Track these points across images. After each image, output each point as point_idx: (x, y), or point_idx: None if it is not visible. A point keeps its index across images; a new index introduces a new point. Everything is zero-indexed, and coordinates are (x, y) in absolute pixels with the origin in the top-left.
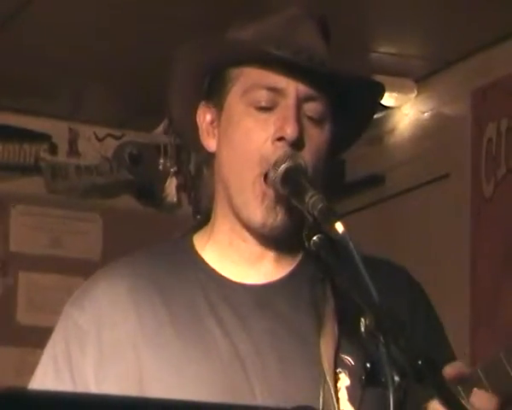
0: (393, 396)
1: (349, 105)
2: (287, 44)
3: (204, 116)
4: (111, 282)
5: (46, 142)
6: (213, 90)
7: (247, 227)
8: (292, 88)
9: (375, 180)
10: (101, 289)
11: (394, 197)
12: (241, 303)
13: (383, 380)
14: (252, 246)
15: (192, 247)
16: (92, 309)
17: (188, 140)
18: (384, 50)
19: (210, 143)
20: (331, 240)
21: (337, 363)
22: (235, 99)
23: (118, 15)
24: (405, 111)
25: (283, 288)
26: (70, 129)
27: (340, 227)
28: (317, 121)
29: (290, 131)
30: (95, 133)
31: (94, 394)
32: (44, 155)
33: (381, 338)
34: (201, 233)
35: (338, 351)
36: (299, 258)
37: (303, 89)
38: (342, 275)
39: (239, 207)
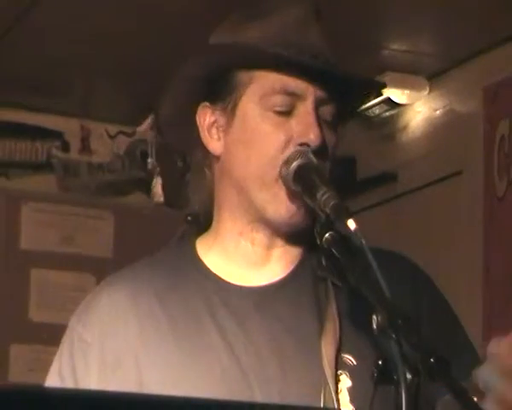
0: (406, 394)
1: (349, 102)
2: (300, 47)
3: (205, 117)
4: (113, 294)
5: (58, 139)
6: (219, 93)
7: (267, 224)
8: (310, 92)
9: (387, 178)
10: (103, 301)
11: (406, 195)
12: (242, 307)
13: (395, 377)
14: (259, 248)
15: (195, 252)
16: (95, 322)
17: (178, 141)
18: (396, 48)
19: (215, 146)
20: (343, 237)
21: (338, 364)
22: (250, 104)
23: (129, 13)
24: (417, 108)
25: (284, 288)
26: (82, 126)
27: (352, 224)
28: (331, 124)
29: (314, 138)
30: (106, 130)
31: (107, 391)
32: (56, 152)
33: (393, 335)
34: (205, 237)
35: (339, 351)
36: (299, 257)
37: (320, 92)
38: (354, 272)
39: (263, 205)
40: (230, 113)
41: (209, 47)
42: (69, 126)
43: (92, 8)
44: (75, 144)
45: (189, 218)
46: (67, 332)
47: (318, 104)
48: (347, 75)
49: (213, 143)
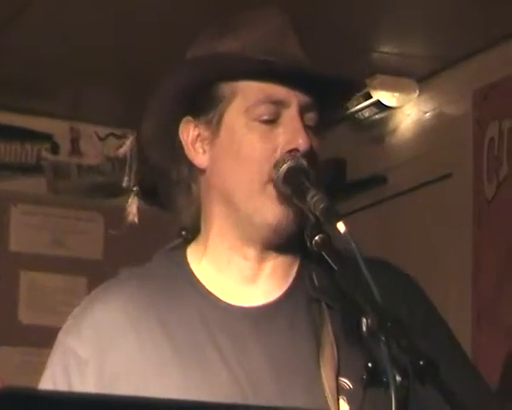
0: (395, 396)
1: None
2: (280, 55)
3: (188, 132)
4: (107, 307)
5: (48, 141)
6: (201, 107)
7: (255, 235)
8: (294, 98)
9: (376, 180)
10: (97, 314)
11: (396, 197)
12: (240, 330)
13: (385, 380)
14: (251, 263)
15: (187, 266)
16: (90, 336)
17: (161, 159)
18: (386, 50)
19: (200, 160)
20: (333, 240)
21: (334, 388)
22: (235, 116)
23: (119, 14)
24: (407, 111)
25: (280, 310)
26: (71, 128)
27: (341, 227)
28: (315, 129)
29: (303, 143)
30: (96, 133)
31: (96, 394)
32: (46, 154)
33: (383, 338)
34: (195, 248)
35: (337, 376)
36: (294, 272)
37: (303, 98)
38: (344, 275)
39: (250, 215)
40: (216, 126)
41: (189, 61)
42: (59, 128)
43: (82, 10)
44: (65, 146)
45: (184, 232)
46: (58, 348)
47: (303, 110)
48: (328, 77)
49: (199, 156)
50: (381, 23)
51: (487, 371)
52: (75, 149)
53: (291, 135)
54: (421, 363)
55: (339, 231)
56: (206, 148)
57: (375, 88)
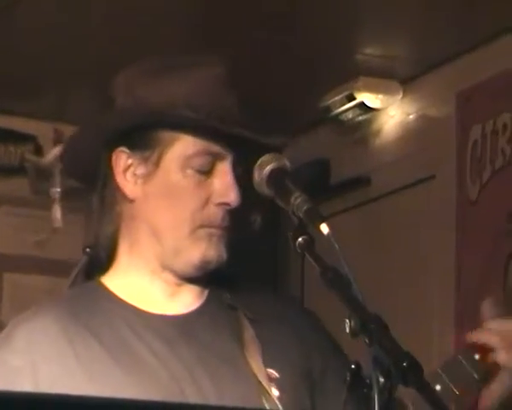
0: (378, 397)
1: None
2: (210, 110)
3: (120, 161)
4: (40, 321)
5: (31, 143)
6: (138, 143)
7: (178, 270)
8: (228, 153)
9: (360, 182)
10: (31, 327)
11: (380, 199)
12: (167, 333)
13: (368, 381)
14: (171, 286)
15: (107, 290)
16: (23, 347)
17: (84, 176)
18: (370, 52)
19: (130, 190)
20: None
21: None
22: (173, 162)
23: (103, 16)
24: (391, 113)
25: (201, 316)
26: (55, 130)
27: (325, 229)
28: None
29: (234, 198)
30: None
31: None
32: (29, 156)
33: (366, 340)
34: (110, 274)
35: (265, 365)
36: (208, 289)
37: (237, 153)
38: (326, 276)
39: (177, 252)
40: (152, 166)
41: (127, 110)
42: (42, 130)
43: (68, 10)
44: (48, 148)
45: (88, 250)
46: None
47: (235, 164)
48: (255, 139)
49: (129, 186)
50: (365, 25)
51: None
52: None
53: (223, 189)
54: (404, 364)
55: (322, 233)
56: (139, 181)
57: (359, 90)
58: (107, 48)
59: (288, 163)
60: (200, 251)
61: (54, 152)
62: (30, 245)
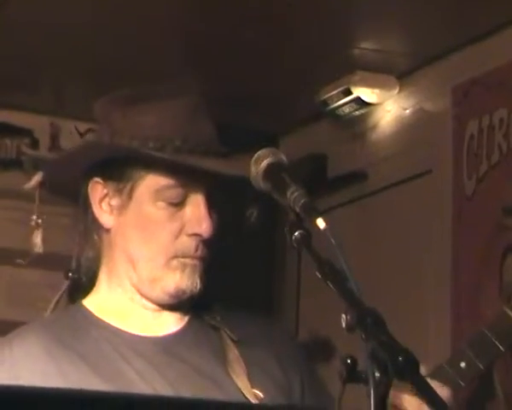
0: (374, 392)
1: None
2: (190, 142)
3: (96, 192)
4: (24, 342)
5: (27, 136)
6: (112, 174)
7: (154, 297)
8: (201, 184)
9: (357, 176)
10: (14, 348)
11: (376, 193)
12: (150, 353)
13: (364, 376)
14: (151, 311)
15: (89, 312)
16: (7, 363)
17: (70, 197)
18: (366, 46)
19: (105, 220)
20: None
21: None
22: (145, 194)
23: (99, 9)
24: (387, 107)
25: (184, 336)
26: (51, 124)
27: (321, 223)
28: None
29: (206, 229)
30: (76, 128)
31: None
32: (26, 149)
33: (362, 334)
34: (91, 299)
35: (251, 385)
36: (189, 311)
37: (209, 184)
38: (323, 271)
39: (152, 282)
40: (126, 197)
41: (103, 145)
42: (38, 123)
43: (64, 4)
44: (44, 141)
45: (70, 275)
46: None
47: (209, 194)
48: (230, 176)
49: (104, 216)
50: (362, 19)
51: None
52: (55, 145)
53: (196, 220)
54: (401, 359)
55: (318, 227)
56: (114, 212)
57: (356, 84)
58: (103, 42)
59: (284, 157)
60: (174, 281)
61: (35, 179)
62: (26, 238)
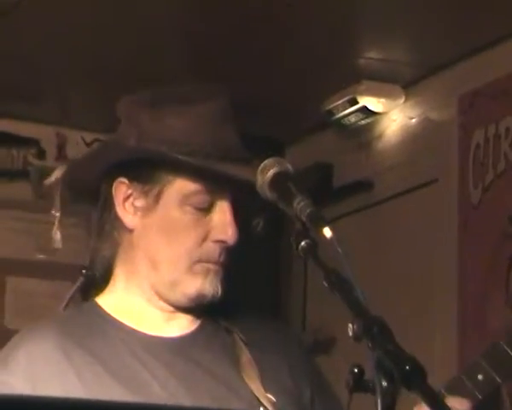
0: (381, 401)
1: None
2: (218, 151)
3: (120, 192)
4: (39, 341)
5: (34, 147)
6: (139, 175)
7: (174, 300)
8: (227, 191)
9: (363, 186)
10: (29, 347)
11: (382, 203)
12: (165, 354)
13: (371, 385)
14: (166, 313)
15: (104, 311)
16: (23, 368)
17: (88, 198)
18: (372, 56)
19: (129, 220)
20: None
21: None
22: (173, 198)
23: (105, 20)
24: (393, 117)
25: (198, 339)
26: (58, 134)
27: (328, 232)
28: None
29: (232, 236)
30: (83, 138)
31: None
32: (32, 159)
33: (369, 343)
34: (106, 297)
35: (263, 389)
36: (203, 314)
37: (236, 192)
38: (329, 280)
39: (173, 285)
40: (153, 200)
41: (131, 148)
42: (45, 134)
43: (69, 15)
44: (51, 152)
45: (84, 271)
46: None
47: (235, 202)
48: (247, 180)
49: (128, 217)
50: (367, 29)
51: None
52: (62, 155)
53: (222, 227)
54: (407, 368)
55: (325, 237)
56: (138, 213)
57: (362, 94)
58: (109, 52)
59: (290, 167)
60: (196, 286)
61: (55, 174)
62: (33, 249)
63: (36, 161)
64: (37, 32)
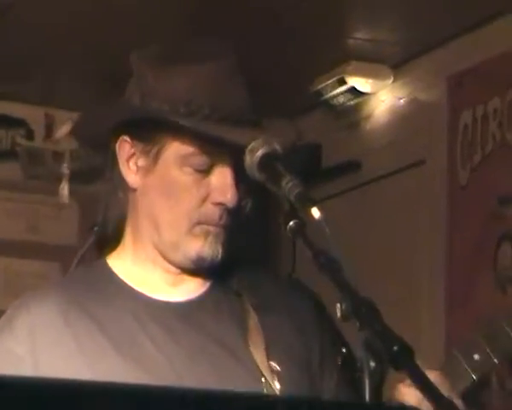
0: (369, 381)
1: None
2: (220, 112)
3: (123, 150)
4: (41, 307)
5: (22, 127)
6: (141, 134)
7: (176, 261)
8: (227, 153)
9: (351, 166)
10: (32, 313)
11: (370, 183)
12: (169, 320)
13: (359, 365)
14: (173, 275)
15: (113, 272)
16: (25, 333)
17: (94, 153)
18: (360, 36)
19: (132, 179)
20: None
21: (268, 368)
22: (172, 158)
23: (93, 1)
24: (382, 97)
25: (204, 303)
26: (46, 114)
27: (316, 213)
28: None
29: (231, 198)
30: (71, 119)
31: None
32: (21, 140)
33: (357, 324)
34: (115, 257)
35: (268, 358)
36: (211, 276)
37: (236, 154)
38: (318, 260)
39: (174, 245)
40: (153, 159)
41: (132, 107)
42: (33, 114)
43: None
44: (39, 132)
45: (96, 228)
46: None
47: (235, 164)
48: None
49: (131, 175)
50: (355, 9)
51: None
52: (50, 135)
53: (221, 189)
54: (396, 348)
55: (313, 217)
56: (140, 173)
57: (350, 74)
58: (97, 32)
59: (278, 147)
60: (195, 248)
61: (64, 128)
62: (22, 229)
63: (24, 142)
64: (26, 12)
